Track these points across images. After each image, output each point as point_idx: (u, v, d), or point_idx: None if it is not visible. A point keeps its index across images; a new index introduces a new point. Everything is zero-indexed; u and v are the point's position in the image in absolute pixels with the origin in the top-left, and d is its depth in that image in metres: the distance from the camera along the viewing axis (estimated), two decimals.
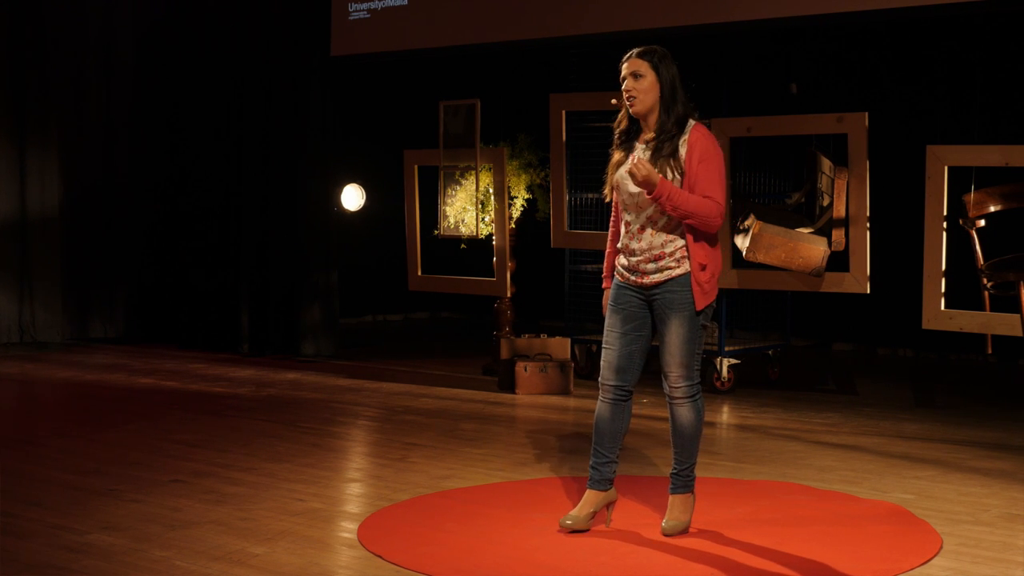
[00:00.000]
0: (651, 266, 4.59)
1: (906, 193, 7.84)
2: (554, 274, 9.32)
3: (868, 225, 7.04)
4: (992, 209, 6.59)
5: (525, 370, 8.05)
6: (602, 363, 4.72)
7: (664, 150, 4.56)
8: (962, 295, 6.89)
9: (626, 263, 4.66)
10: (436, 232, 8.71)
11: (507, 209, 8.35)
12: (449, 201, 8.58)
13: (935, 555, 4.44)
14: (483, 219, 8.44)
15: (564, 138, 8.19)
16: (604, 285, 4.85)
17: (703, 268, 4.56)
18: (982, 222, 6.55)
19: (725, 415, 7.44)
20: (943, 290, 6.77)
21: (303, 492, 5.39)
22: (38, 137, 10.56)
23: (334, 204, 9.89)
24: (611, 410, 4.70)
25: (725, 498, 5.26)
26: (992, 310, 6.61)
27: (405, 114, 11.30)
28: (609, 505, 4.78)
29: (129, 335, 10.87)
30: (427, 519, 4.94)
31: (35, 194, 10.55)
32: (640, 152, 4.63)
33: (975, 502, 5.23)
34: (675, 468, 4.72)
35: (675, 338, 4.57)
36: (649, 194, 4.48)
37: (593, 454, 4.75)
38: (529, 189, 8.53)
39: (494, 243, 8.41)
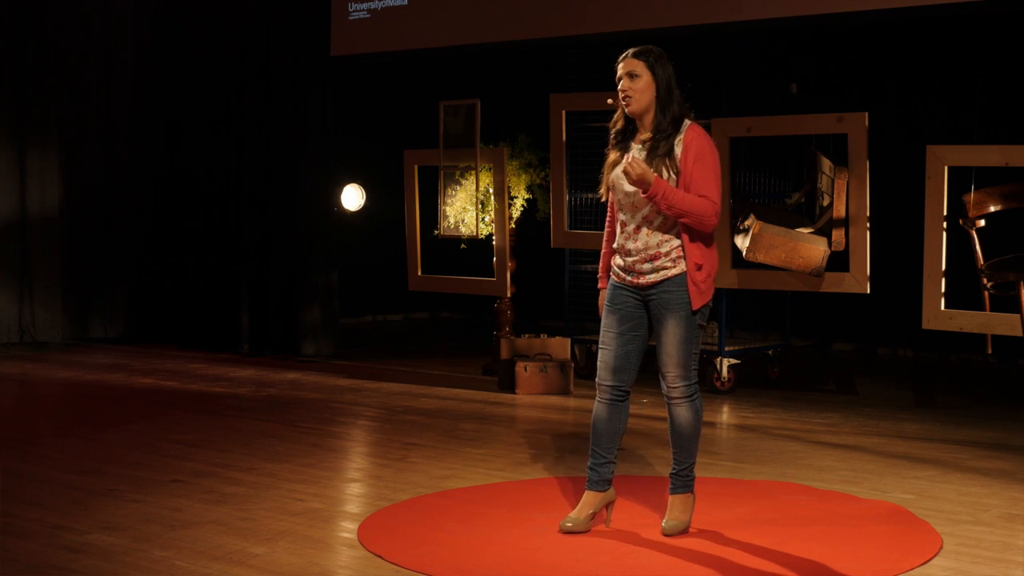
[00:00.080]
0: (647, 266, 4.59)
1: (906, 193, 7.84)
2: (554, 274, 9.32)
3: (868, 225, 7.04)
4: (992, 209, 6.59)
5: (525, 370, 8.05)
6: (599, 364, 4.72)
7: (660, 150, 4.56)
8: (962, 295, 6.89)
9: (622, 263, 4.66)
10: (436, 232, 8.71)
11: (507, 209, 8.35)
12: (449, 201, 8.58)
13: (935, 555, 4.44)
14: (483, 219, 8.44)
15: (564, 138, 8.19)
16: (600, 285, 4.85)
17: (699, 268, 4.56)
18: (982, 222, 6.55)
19: (725, 415, 7.44)
20: (943, 290, 6.77)
21: (303, 492, 5.40)
22: (38, 137, 10.56)
23: (334, 204, 9.89)
24: (608, 410, 4.70)
25: (725, 498, 5.26)
26: (992, 310, 6.61)
27: (405, 114, 11.30)
28: (608, 505, 4.78)
29: (129, 335, 10.87)
30: (427, 519, 4.94)
31: (35, 194, 10.55)
32: (636, 152, 4.63)
33: (975, 502, 5.23)
34: (674, 468, 4.72)
35: (672, 338, 4.57)
36: (644, 193, 4.48)
37: (591, 455, 4.75)
38: (529, 189, 8.53)
39: (494, 243, 8.41)
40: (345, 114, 10.95)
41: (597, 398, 4.72)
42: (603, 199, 4.80)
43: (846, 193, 7.05)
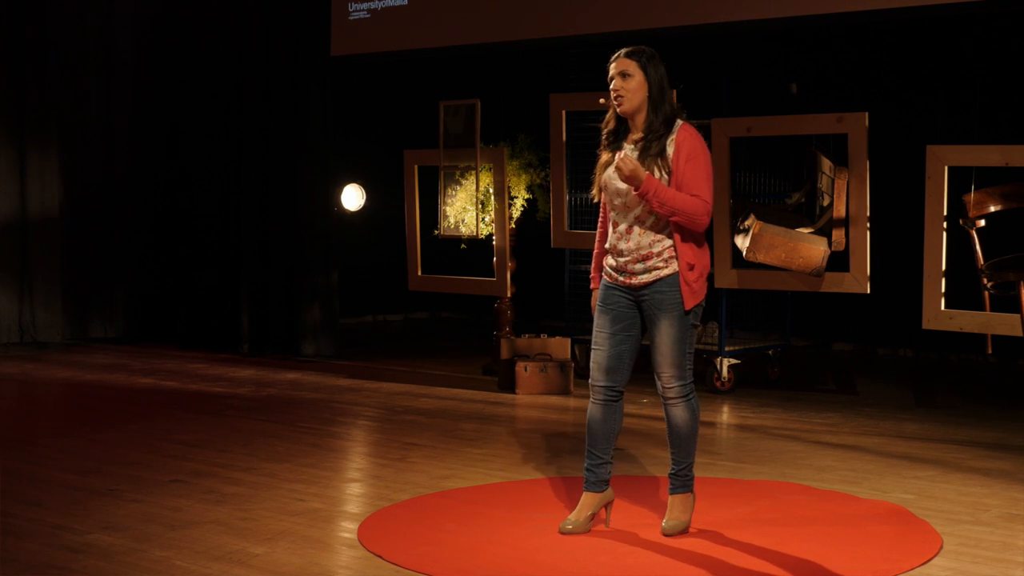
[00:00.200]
0: (639, 266, 4.59)
1: (906, 193, 7.84)
2: (554, 274, 9.32)
3: (868, 225, 7.03)
4: (992, 209, 6.59)
5: (525, 370, 8.05)
6: (592, 364, 4.72)
7: (652, 149, 4.56)
8: (962, 295, 6.89)
9: (614, 263, 4.67)
10: (436, 232, 8.71)
11: (507, 209, 8.35)
12: (449, 201, 8.58)
13: (935, 555, 4.44)
14: (483, 219, 8.44)
15: (564, 138, 8.19)
16: (592, 286, 4.85)
17: (691, 268, 4.56)
18: (982, 222, 6.55)
19: (725, 415, 7.44)
20: (943, 290, 6.77)
21: (303, 492, 5.40)
22: (38, 137, 10.56)
23: (334, 204, 9.89)
24: (602, 411, 4.70)
25: (725, 498, 5.26)
26: (992, 310, 6.61)
27: (405, 114, 11.30)
28: (607, 506, 4.78)
29: (129, 335, 10.87)
30: (427, 519, 4.94)
31: (35, 194, 10.55)
32: (628, 151, 4.63)
33: (975, 502, 5.23)
34: (673, 468, 4.72)
35: (666, 338, 4.57)
36: (635, 191, 4.49)
37: (587, 456, 4.75)
38: (529, 189, 8.53)
39: (494, 243, 8.41)
40: (345, 114, 10.95)
41: (591, 399, 4.72)
42: (595, 200, 4.81)
43: (846, 193, 7.05)
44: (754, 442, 6.59)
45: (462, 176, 8.50)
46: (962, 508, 5.13)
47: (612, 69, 4.62)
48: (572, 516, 4.72)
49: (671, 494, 4.72)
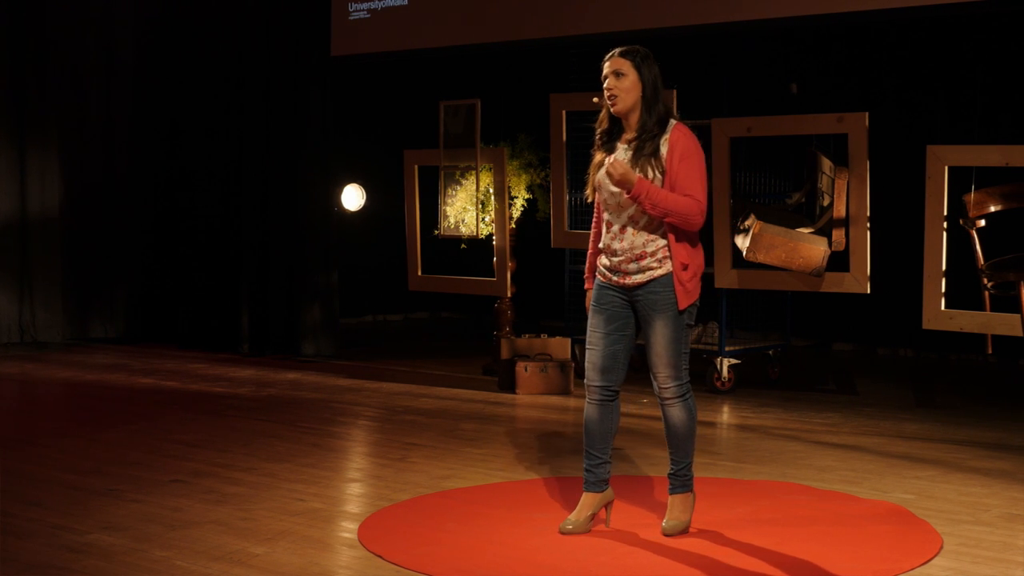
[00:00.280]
0: (633, 266, 4.59)
1: (906, 193, 7.84)
2: (554, 274, 9.32)
3: (868, 225, 7.03)
4: (992, 209, 6.59)
5: (525, 370, 8.05)
6: (586, 364, 4.72)
7: (645, 149, 4.56)
8: (962, 295, 6.89)
9: (608, 263, 4.67)
10: (436, 232, 8.71)
11: (507, 209, 8.35)
12: (449, 201, 8.58)
13: (935, 555, 4.44)
14: (483, 219, 8.43)
15: (564, 138, 8.19)
16: (586, 286, 4.85)
17: (685, 268, 4.56)
18: (982, 222, 6.55)
19: (725, 415, 7.44)
20: (943, 290, 6.77)
21: (303, 492, 5.40)
22: (38, 137, 10.56)
23: (334, 204, 9.89)
24: (599, 411, 4.70)
25: (725, 498, 5.26)
26: (992, 310, 6.61)
27: (405, 114, 11.30)
28: (607, 506, 4.78)
29: (129, 335, 10.87)
30: (427, 519, 4.94)
31: (35, 194, 10.55)
32: (622, 152, 4.63)
33: (975, 502, 5.23)
34: (672, 468, 4.72)
35: (660, 339, 4.57)
36: (627, 194, 4.48)
37: (586, 457, 4.75)
38: (529, 189, 8.52)
39: (494, 243, 8.41)
40: (345, 114, 10.95)
41: (587, 399, 4.72)
42: (590, 200, 4.81)
43: (846, 193, 7.05)
44: (754, 442, 6.59)
45: (462, 176, 8.50)
46: (962, 508, 5.13)
47: (606, 68, 4.62)
48: (572, 516, 4.72)
49: (671, 494, 4.72)
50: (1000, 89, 9.02)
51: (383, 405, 7.72)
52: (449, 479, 5.65)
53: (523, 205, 8.51)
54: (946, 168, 6.69)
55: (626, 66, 4.58)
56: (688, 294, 4.57)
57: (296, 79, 9.81)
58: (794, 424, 7.08)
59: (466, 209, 8.48)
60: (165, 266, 10.77)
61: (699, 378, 8.08)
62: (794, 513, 5.07)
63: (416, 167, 8.82)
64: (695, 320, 4.76)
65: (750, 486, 5.56)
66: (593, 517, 4.74)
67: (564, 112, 8.20)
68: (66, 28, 10.60)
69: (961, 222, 6.59)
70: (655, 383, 4.64)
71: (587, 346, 4.72)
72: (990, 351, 6.86)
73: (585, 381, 4.73)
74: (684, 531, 4.68)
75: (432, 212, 8.73)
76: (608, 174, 4.48)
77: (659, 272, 4.56)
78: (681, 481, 4.71)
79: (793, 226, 7.17)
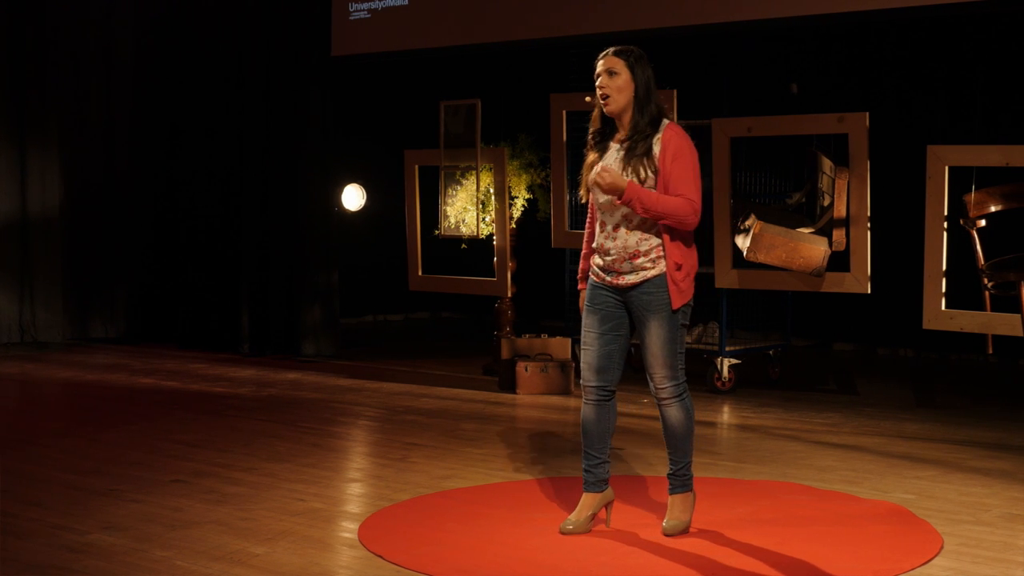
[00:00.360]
0: (626, 265, 4.58)
1: (907, 193, 7.84)
2: (555, 274, 9.32)
3: (869, 225, 7.03)
4: (993, 209, 6.59)
5: (526, 370, 8.05)
6: (582, 365, 4.72)
7: (638, 150, 4.56)
8: (963, 295, 6.89)
9: (601, 263, 4.67)
10: (437, 232, 8.71)
11: (508, 209, 8.35)
12: (450, 201, 8.58)
13: (936, 555, 4.44)
14: (484, 219, 8.43)
15: (564, 138, 8.19)
16: (580, 287, 4.85)
17: (679, 267, 4.55)
18: (983, 222, 6.55)
19: (726, 415, 7.44)
20: (944, 290, 6.77)
21: (304, 492, 5.40)
22: (39, 137, 10.56)
23: (334, 204, 9.89)
24: (596, 411, 4.70)
25: (725, 498, 5.26)
26: (993, 310, 6.61)
27: (406, 114, 11.30)
28: (607, 506, 4.78)
29: (130, 335, 10.88)
30: (428, 519, 4.94)
31: (36, 194, 10.56)
32: (614, 152, 4.63)
33: (976, 502, 5.23)
34: (671, 468, 4.72)
35: (655, 339, 4.57)
36: (619, 200, 4.48)
37: (584, 457, 4.75)
38: (530, 189, 8.52)
39: (495, 243, 8.41)
40: (345, 114, 10.95)
41: (584, 399, 4.72)
42: (583, 200, 4.82)
43: (847, 193, 7.05)
44: (755, 442, 6.59)
45: (463, 176, 8.50)
46: (963, 508, 5.13)
47: (599, 66, 4.62)
48: (572, 516, 4.72)
49: (671, 494, 4.72)
50: (1000, 89, 9.02)
51: (383, 405, 7.72)
52: (449, 479, 5.65)
53: (523, 205, 8.51)
54: (946, 168, 6.69)
55: (619, 65, 4.58)
56: (682, 294, 4.56)
57: (296, 79, 9.81)
58: (795, 424, 7.08)
59: (466, 209, 8.48)
60: (165, 266, 10.77)
61: (700, 378, 8.09)
62: (794, 513, 5.07)
63: (416, 167, 8.82)
64: (691, 320, 4.76)
65: (750, 486, 5.56)
66: (593, 517, 4.74)
67: (564, 112, 8.20)
68: (66, 28, 10.60)
69: (962, 222, 6.59)
70: (651, 384, 4.64)
71: (582, 346, 4.72)
72: (991, 351, 6.87)
73: (581, 382, 4.73)
74: (684, 531, 4.68)
75: (432, 212, 8.73)
76: (596, 185, 4.49)
77: (652, 273, 4.56)
78: (681, 481, 4.71)
79: (794, 226, 7.17)
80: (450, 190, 8.58)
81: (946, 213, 6.69)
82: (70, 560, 4.37)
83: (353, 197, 10.03)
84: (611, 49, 4.63)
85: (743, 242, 7.14)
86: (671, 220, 4.49)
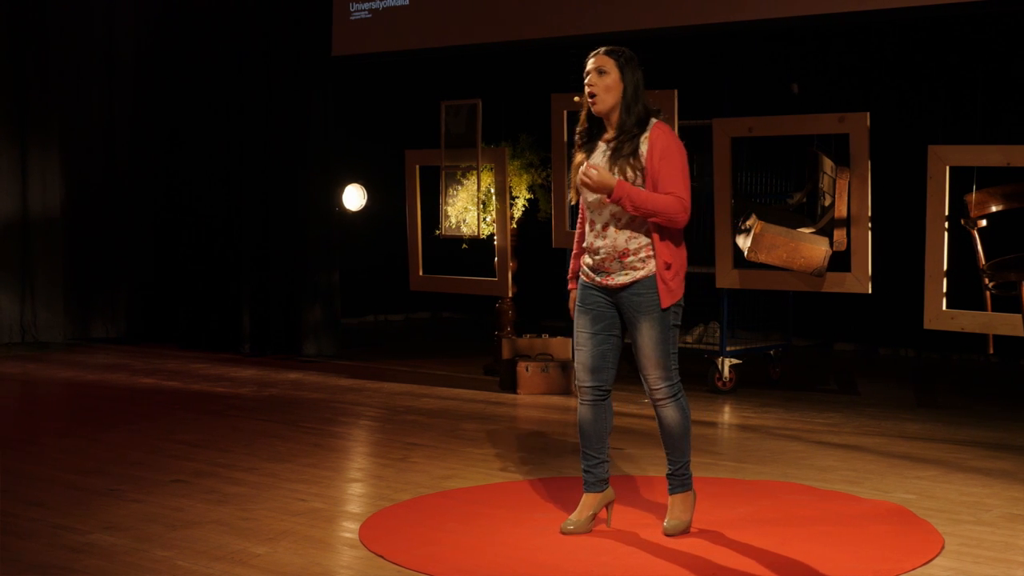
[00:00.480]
0: (615, 265, 4.58)
1: (908, 193, 7.84)
2: (555, 274, 9.31)
3: (870, 225, 7.03)
4: (994, 209, 6.59)
5: (527, 370, 8.05)
6: (576, 365, 4.72)
7: (624, 150, 4.56)
8: (964, 295, 6.88)
9: (591, 262, 4.66)
10: (437, 232, 8.71)
11: (508, 209, 8.35)
12: (450, 201, 8.58)
13: (937, 555, 4.44)
14: (484, 219, 8.44)
15: (565, 138, 8.19)
16: (569, 287, 4.85)
17: (668, 267, 4.54)
18: (984, 222, 6.55)
19: (727, 415, 7.44)
20: (945, 290, 6.77)
21: (305, 492, 5.40)
22: (39, 137, 10.57)
23: (335, 204, 9.89)
24: (592, 411, 4.69)
25: (726, 498, 5.26)
26: (994, 310, 6.60)
27: (406, 114, 11.30)
28: (608, 505, 4.78)
29: (131, 335, 10.88)
30: (428, 519, 4.94)
31: (36, 194, 10.56)
32: (600, 152, 4.63)
33: (977, 502, 5.23)
34: (670, 469, 4.72)
35: (647, 340, 4.56)
36: (608, 198, 4.48)
37: (583, 458, 4.75)
38: (530, 189, 8.52)
39: (496, 243, 8.41)
40: (346, 114, 10.95)
41: (579, 400, 4.72)
42: (573, 202, 4.82)
43: (848, 193, 7.05)
44: (756, 442, 6.59)
45: (463, 176, 8.50)
46: (964, 508, 5.13)
47: (589, 65, 4.63)
48: (573, 516, 4.72)
49: (671, 494, 4.72)
50: (1001, 89, 9.01)
51: (384, 405, 7.72)
52: (450, 479, 5.65)
53: (524, 205, 8.51)
54: (947, 168, 6.69)
55: (609, 64, 4.58)
56: (671, 293, 4.55)
57: (297, 79, 9.81)
58: (795, 424, 7.08)
59: (467, 209, 8.48)
60: (166, 266, 10.78)
61: (700, 378, 8.10)
62: (795, 513, 5.07)
63: (417, 167, 8.82)
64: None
65: (751, 486, 5.56)
66: (594, 517, 4.74)
67: (565, 112, 8.19)
68: (68, 28, 10.61)
69: (963, 222, 6.59)
70: (646, 385, 4.63)
71: (575, 347, 4.72)
72: (991, 351, 6.87)
73: (576, 382, 4.73)
74: (685, 531, 4.68)
75: (433, 212, 8.73)
76: (583, 184, 4.49)
77: (642, 273, 4.55)
78: (680, 480, 4.71)
79: (794, 226, 7.17)
80: (451, 190, 8.58)
81: (947, 213, 6.69)
82: (71, 560, 4.37)
83: (354, 197, 10.03)
84: (602, 49, 4.64)
85: (744, 242, 7.14)
86: (661, 218, 4.48)
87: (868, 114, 7.03)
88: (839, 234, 7.09)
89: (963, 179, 6.74)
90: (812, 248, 7.03)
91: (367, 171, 10.57)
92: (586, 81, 4.61)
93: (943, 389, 8.55)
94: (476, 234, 8.47)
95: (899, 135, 9.01)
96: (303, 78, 9.79)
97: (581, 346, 4.68)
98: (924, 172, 6.78)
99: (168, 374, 8.96)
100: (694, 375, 8.15)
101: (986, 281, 6.49)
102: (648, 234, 4.55)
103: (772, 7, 7.52)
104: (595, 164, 4.52)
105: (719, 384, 8.06)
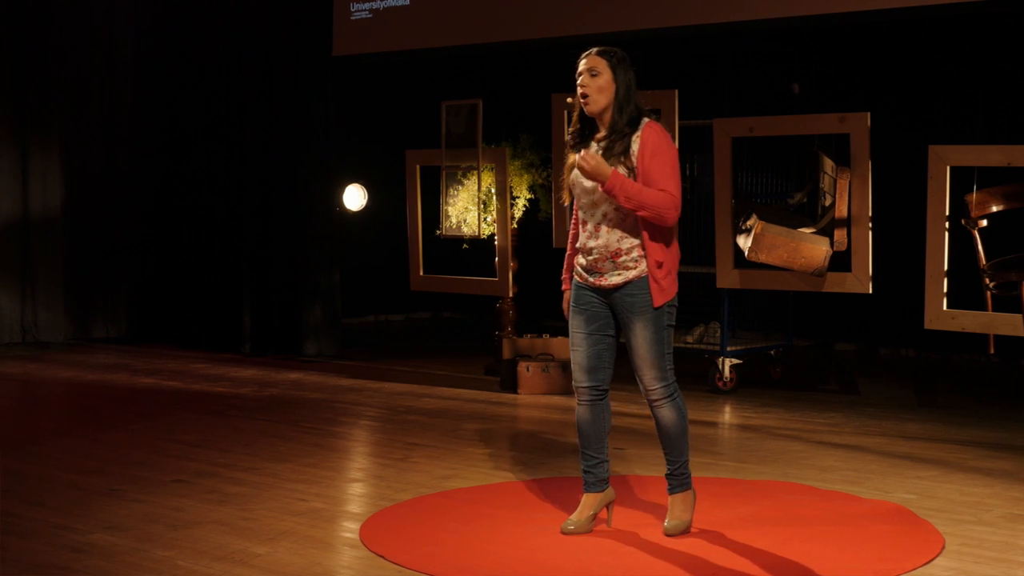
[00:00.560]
0: (608, 265, 4.58)
1: (908, 193, 7.83)
2: (556, 274, 9.28)
3: (870, 225, 7.03)
4: (994, 209, 6.59)
5: (527, 370, 8.05)
6: (572, 366, 4.72)
7: (615, 149, 4.56)
8: (964, 295, 6.88)
9: (584, 263, 4.67)
10: (438, 232, 8.71)
11: (509, 209, 8.35)
12: (451, 201, 8.58)
13: (937, 555, 4.44)
14: (485, 219, 8.44)
15: (566, 138, 8.18)
16: (563, 288, 4.85)
17: (660, 266, 4.54)
18: (984, 222, 6.54)
19: (727, 415, 7.43)
20: (945, 290, 6.77)
21: (305, 492, 5.40)
22: (40, 137, 10.57)
23: (336, 204, 9.89)
24: (590, 411, 4.69)
25: (727, 498, 5.26)
26: (994, 310, 6.60)
27: (407, 114, 11.30)
28: (608, 505, 4.78)
29: (131, 335, 10.88)
30: (429, 519, 4.94)
31: (37, 194, 10.56)
32: (593, 151, 4.63)
33: (977, 502, 5.23)
34: (669, 469, 4.72)
35: (641, 341, 4.56)
36: (601, 187, 4.47)
37: (582, 458, 4.75)
38: (531, 189, 8.52)
39: (496, 243, 8.41)
40: (347, 114, 10.95)
41: (577, 401, 4.72)
42: (565, 203, 4.83)
43: (848, 193, 7.04)
44: (756, 442, 6.59)
45: (464, 176, 8.50)
46: (964, 508, 5.13)
47: (581, 65, 4.63)
48: (574, 516, 4.72)
49: (670, 494, 4.72)
50: (1002, 89, 9.01)
51: (385, 405, 7.72)
52: (451, 479, 5.65)
53: (525, 205, 8.51)
54: (948, 168, 6.69)
55: (601, 65, 4.59)
56: (663, 292, 4.55)
57: (298, 79, 9.82)
58: (796, 424, 7.08)
59: (468, 209, 8.48)
60: (167, 266, 10.78)
61: (701, 378, 8.10)
62: (796, 513, 5.07)
63: (418, 167, 8.82)
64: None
65: (752, 486, 5.56)
66: (595, 517, 4.74)
67: (566, 112, 8.18)
68: (68, 28, 10.61)
69: (963, 222, 6.59)
70: (641, 386, 4.62)
71: (571, 347, 4.72)
72: (992, 351, 6.86)
73: (573, 383, 4.73)
74: (686, 531, 4.68)
75: (434, 212, 8.73)
76: (580, 167, 4.48)
77: (634, 273, 4.55)
78: (679, 480, 4.71)
79: (795, 226, 7.16)
80: (451, 190, 8.58)
81: (948, 213, 6.69)
82: (72, 560, 4.37)
83: (354, 197, 10.04)
84: (593, 49, 4.64)
85: (745, 242, 7.14)
86: (651, 212, 4.46)
87: (869, 114, 7.03)
88: (840, 234, 7.09)
89: (964, 179, 6.74)
90: (813, 248, 7.03)
91: (367, 171, 10.57)
92: (578, 82, 4.61)
93: (944, 389, 8.55)
94: (477, 234, 8.47)
95: (900, 135, 9.01)
96: (303, 78, 9.79)
97: (576, 346, 4.69)
98: (925, 172, 6.78)
99: (168, 374, 8.96)
100: (695, 375, 8.15)
101: (987, 281, 6.49)
102: (638, 234, 4.54)
103: (772, 7, 7.52)
104: (590, 152, 4.52)
105: (720, 384, 8.06)
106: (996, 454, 6.23)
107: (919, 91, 9.56)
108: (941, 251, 6.72)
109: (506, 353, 8.27)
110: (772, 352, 8.56)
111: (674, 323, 4.64)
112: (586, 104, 4.60)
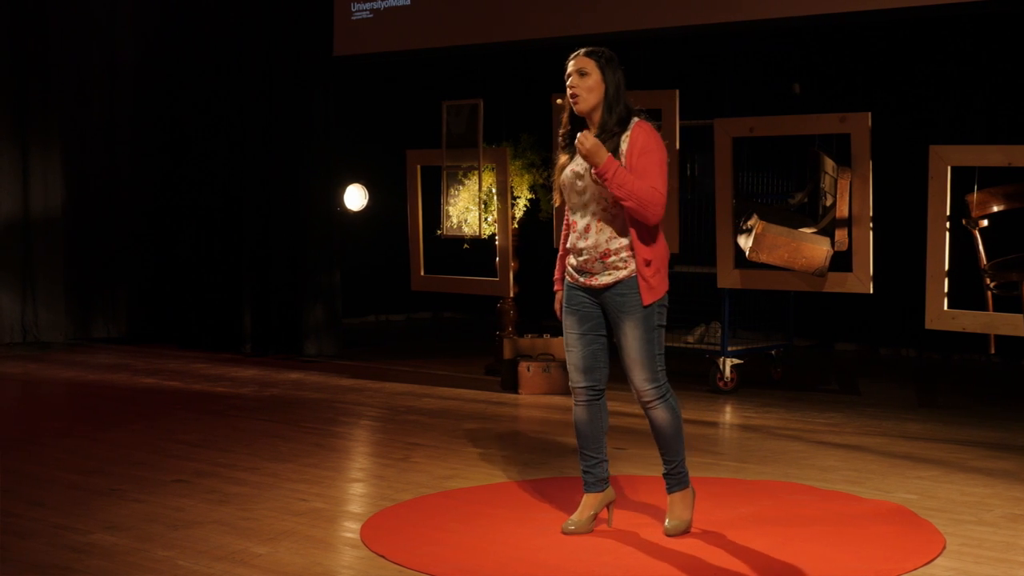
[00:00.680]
0: (598, 265, 4.58)
1: (909, 193, 7.83)
2: None
3: (871, 225, 7.03)
4: (995, 209, 6.59)
5: (528, 370, 8.05)
6: (568, 367, 4.71)
7: (606, 146, 4.55)
8: (965, 295, 6.88)
9: (575, 263, 4.67)
10: (439, 232, 8.71)
11: (510, 209, 8.35)
12: (452, 201, 8.58)
13: (938, 555, 4.44)
14: (486, 219, 8.44)
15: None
16: (555, 288, 4.85)
17: (648, 264, 4.54)
18: (985, 222, 6.54)
19: (728, 415, 7.43)
20: (946, 290, 6.77)
21: (306, 492, 5.40)
22: (40, 137, 10.57)
23: (336, 204, 9.89)
24: (587, 411, 4.69)
25: (728, 498, 5.26)
26: (995, 310, 6.60)
27: (408, 114, 11.30)
28: (609, 505, 4.78)
29: (132, 335, 10.88)
30: (430, 519, 4.94)
31: (38, 194, 10.56)
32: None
33: (978, 502, 5.23)
34: (666, 468, 4.72)
35: (632, 341, 4.55)
36: (595, 169, 4.47)
37: (581, 458, 4.75)
38: (532, 189, 8.52)
39: (497, 243, 8.41)
40: (348, 114, 10.95)
41: (574, 401, 4.71)
42: (556, 203, 4.83)
43: (849, 193, 7.04)
44: (757, 442, 6.59)
45: (465, 176, 8.50)
46: (965, 508, 5.13)
47: (570, 66, 4.64)
48: (574, 516, 4.72)
49: (669, 493, 4.72)
50: (1003, 89, 9.01)
51: (386, 405, 7.72)
52: (451, 479, 5.65)
53: (526, 205, 8.51)
54: (949, 168, 6.69)
55: (590, 65, 4.59)
56: (652, 290, 4.54)
57: (298, 79, 9.82)
58: (797, 424, 7.08)
59: (468, 209, 8.48)
60: (167, 266, 10.78)
61: (702, 378, 8.10)
62: (797, 513, 5.07)
63: (418, 167, 8.82)
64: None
65: (753, 486, 5.56)
66: (595, 517, 4.74)
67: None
68: (68, 28, 10.61)
69: (964, 222, 6.59)
70: (633, 388, 4.61)
71: (566, 348, 4.71)
72: (993, 351, 6.87)
73: (569, 383, 4.73)
74: (686, 531, 4.68)
75: (434, 212, 8.73)
76: (579, 144, 4.48)
77: (624, 273, 4.55)
78: (677, 479, 4.71)
79: (796, 226, 7.16)
80: (452, 190, 8.57)
81: (948, 213, 6.69)
82: (72, 560, 4.37)
83: (355, 197, 10.04)
84: (582, 50, 4.66)
85: (745, 242, 7.14)
86: (636, 203, 4.45)
87: (869, 114, 7.03)
88: (840, 234, 7.09)
89: (964, 179, 6.74)
90: (813, 248, 7.03)
91: (368, 171, 10.58)
92: (568, 83, 4.62)
93: (944, 389, 8.55)
94: (477, 234, 8.47)
95: (900, 135, 9.01)
96: (304, 78, 9.79)
97: (571, 347, 4.69)
98: (925, 172, 6.78)
99: (169, 374, 8.96)
100: (695, 375, 8.14)
101: (987, 281, 6.49)
102: (627, 234, 4.54)
103: (772, 7, 7.52)
104: (588, 133, 4.52)
105: (720, 384, 8.06)
106: (997, 454, 6.23)
107: (919, 91, 9.56)
108: (942, 251, 6.72)
109: (507, 353, 8.27)
110: (773, 352, 8.56)
111: (665, 324, 4.63)
112: (575, 104, 4.61)
